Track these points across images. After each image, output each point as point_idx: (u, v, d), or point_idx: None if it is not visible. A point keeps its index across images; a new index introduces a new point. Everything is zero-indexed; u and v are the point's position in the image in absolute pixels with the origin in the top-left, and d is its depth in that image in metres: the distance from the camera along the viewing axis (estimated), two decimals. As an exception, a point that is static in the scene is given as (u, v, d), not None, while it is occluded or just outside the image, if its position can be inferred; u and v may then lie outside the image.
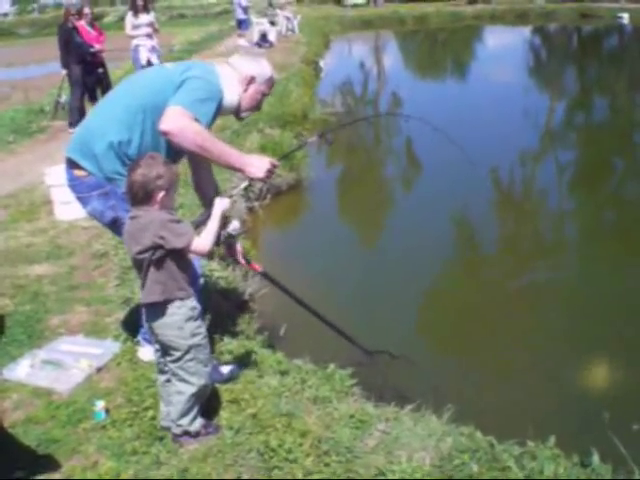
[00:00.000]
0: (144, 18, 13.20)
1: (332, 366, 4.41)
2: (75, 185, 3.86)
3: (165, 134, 3.46)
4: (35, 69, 25.89)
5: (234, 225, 3.73)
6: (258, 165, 3.66)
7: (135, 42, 13.31)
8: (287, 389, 4.01)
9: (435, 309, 6.05)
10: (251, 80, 3.90)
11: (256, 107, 4.06)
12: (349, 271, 6.97)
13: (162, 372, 3.51)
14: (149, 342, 4.20)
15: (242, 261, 4.36)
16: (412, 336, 5.63)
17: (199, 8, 62.00)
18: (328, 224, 8.54)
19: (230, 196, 3.56)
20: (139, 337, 4.39)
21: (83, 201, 3.87)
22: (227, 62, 3.99)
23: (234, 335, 4.79)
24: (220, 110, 3.79)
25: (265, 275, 4.63)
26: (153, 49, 13.42)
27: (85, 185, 3.77)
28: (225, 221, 3.38)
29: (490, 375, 5.08)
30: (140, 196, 3.16)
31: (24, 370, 4.29)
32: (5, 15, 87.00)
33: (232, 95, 3.87)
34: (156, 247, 3.13)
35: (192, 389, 3.39)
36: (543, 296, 6.39)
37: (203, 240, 3.22)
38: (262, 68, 3.98)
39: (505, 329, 5.69)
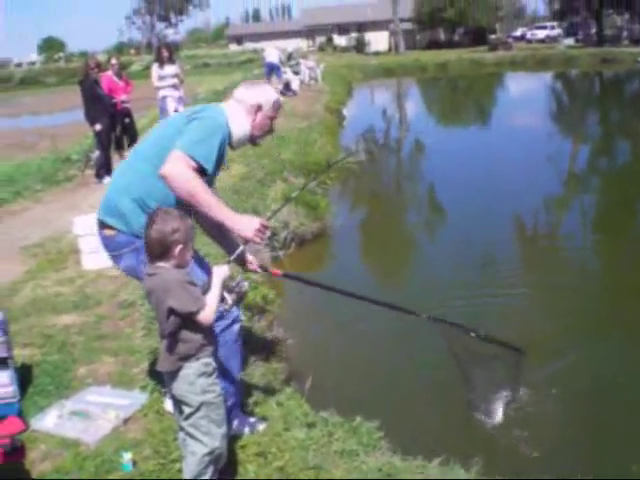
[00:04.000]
0: (169, 69, 13.46)
1: (359, 418, 4.40)
2: (107, 244, 3.93)
3: (163, 177, 3.53)
4: (61, 117, 26.40)
5: (241, 285, 3.71)
6: (247, 224, 3.64)
7: (162, 93, 13.54)
8: (314, 442, 3.99)
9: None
10: (258, 108, 3.96)
11: (268, 131, 4.13)
12: (373, 322, 6.94)
13: (179, 428, 3.45)
14: None
15: (259, 270, 4.36)
16: (435, 390, 5.58)
17: (223, 57, 63.19)
18: (353, 273, 8.53)
19: (228, 262, 3.54)
20: (165, 388, 4.43)
21: (116, 259, 3.93)
22: (233, 98, 4.05)
23: (260, 386, 4.79)
24: (228, 142, 3.88)
25: (287, 276, 4.69)
26: (180, 100, 13.66)
27: (116, 243, 3.84)
28: (230, 284, 3.38)
29: (520, 427, 5.02)
30: (158, 252, 3.17)
31: (52, 420, 4.31)
32: (32, 64, 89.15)
33: (243, 127, 3.95)
34: (172, 312, 3.12)
35: (204, 449, 3.29)
36: (568, 341, 6.33)
37: (207, 311, 3.18)
38: (266, 94, 4.03)
39: (534, 380, 5.63)
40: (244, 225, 3.64)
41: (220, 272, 3.34)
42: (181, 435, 3.44)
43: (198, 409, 3.26)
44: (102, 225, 3.90)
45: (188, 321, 3.17)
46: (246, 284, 3.68)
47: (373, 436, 4.25)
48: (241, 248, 3.77)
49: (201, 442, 3.29)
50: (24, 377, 4.78)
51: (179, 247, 3.17)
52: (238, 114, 3.94)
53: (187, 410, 3.28)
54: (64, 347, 5.45)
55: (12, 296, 6.71)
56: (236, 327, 3.96)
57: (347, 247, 9.67)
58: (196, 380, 3.25)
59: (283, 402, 4.51)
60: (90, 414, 4.35)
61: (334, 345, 6.36)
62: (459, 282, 7.79)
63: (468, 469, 3.87)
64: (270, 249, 8.33)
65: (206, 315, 3.17)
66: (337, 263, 9.20)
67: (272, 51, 27.62)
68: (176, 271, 3.19)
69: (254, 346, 5.64)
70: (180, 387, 3.25)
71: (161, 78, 13.49)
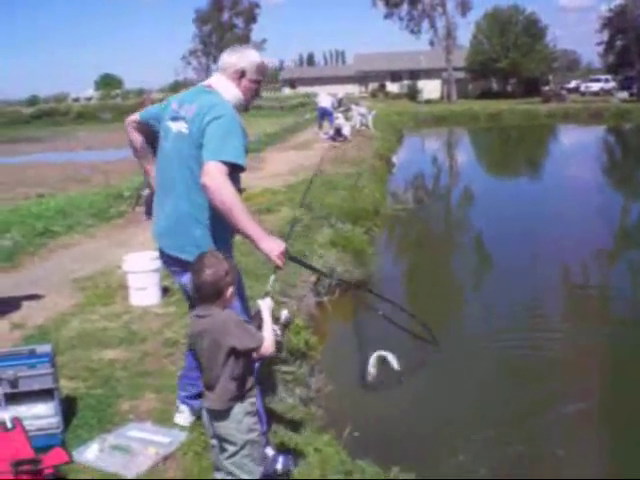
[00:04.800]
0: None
1: (396, 469, 4.39)
2: (171, 263, 4.07)
3: (204, 187, 3.63)
4: (114, 153, 26.92)
5: (284, 315, 3.79)
6: (273, 246, 3.68)
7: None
8: (350, 491, 3.99)
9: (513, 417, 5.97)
10: (242, 74, 3.99)
11: (255, 95, 4.15)
12: (413, 370, 6.94)
13: (219, 469, 3.50)
14: (187, 404, 4.53)
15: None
16: (476, 441, 5.54)
17: (275, 101, 63.88)
18: (396, 321, 8.50)
19: (267, 293, 3.63)
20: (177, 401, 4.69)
21: (179, 273, 4.04)
22: (218, 69, 4.10)
23: (298, 432, 4.81)
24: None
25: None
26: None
27: (183, 262, 3.91)
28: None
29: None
30: (210, 295, 3.25)
31: (93, 454, 4.36)
32: (89, 99, 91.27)
33: (235, 94, 3.99)
34: (232, 352, 3.20)
35: None
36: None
37: (267, 343, 3.29)
38: (248, 58, 4.02)
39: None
40: (270, 246, 3.68)
41: (267, 305, 3.46)
42: (219, 475, 3.49)
43: (243, 447, 3.31)
44: (170, 257, 4.03)
45: (244, 360, 3.25)
46: (287, 313, 3.77)
47: (410, 488, 4.24)
48: (273, 277, 3.84)
49: None
50: (68, 409, 4.84)
51: (230, 289, 3.27)
52: (226, 84, 3.99)
53: (231, 449, 3.32)
54: (108, 382, 5.52)
55: (60, 328, 6.82)
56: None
57: (391, 295, 9.63)
58: (243, 419, 3.31)
59: (321, 448, 4.50)
60: (131, 449, 4.40)
61: (374, 393, 6.36)
62: (502, 336, 7.75)
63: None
64: (314, 294, 8.38)
65: (267, 347, 3.28)
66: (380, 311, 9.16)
67: (325, 97, 28.09)
68: (228, 312, 3.30)
69: (294, 391, 5.68)
70: (227, 426, 3.30)
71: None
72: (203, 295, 3.28)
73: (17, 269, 9.30)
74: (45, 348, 4.67)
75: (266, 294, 3.61)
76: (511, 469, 5.10)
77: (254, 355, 3.30)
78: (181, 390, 4.68)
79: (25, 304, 7.55)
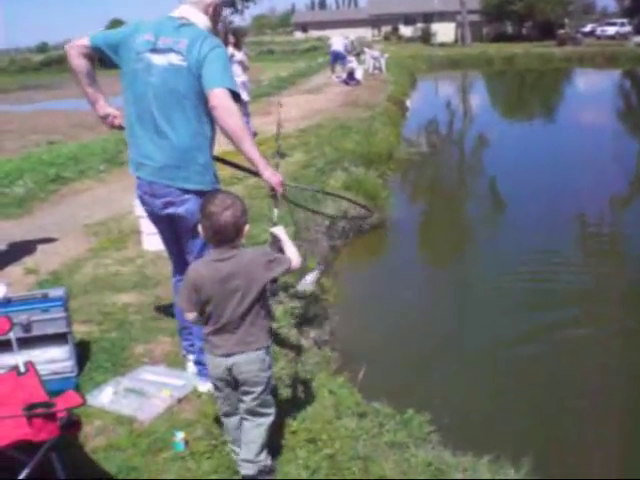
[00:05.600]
0: (235, 55, 13.47)
1: (410, 411, 4.38)
2: (170, 192, 3.96)
3: (213, 109, 3.75)
4: (120, 100, 26.69)
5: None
6: (273, 172, 3.90)
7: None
8: (365, 432, 3.97)
9: (516, 358, 5.95)
10: (215, 8, 4.08)
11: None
12: (429, 314, 6.93)
13: (231, 414, 3.47)
14: (193, 352, 4.53)
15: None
16: (489, 385, 5.54)
17: (287, 44, 63.29)
18: (410, 265, 8.49)
19: (275, 223, 3.78)
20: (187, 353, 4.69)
21: (177, 204, 3.96)
22: (187, 3, 4.04)
23: (313, 373, 4.80)
24: None
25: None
26: (243, 85, 13.67)
27: (182, 191, 3.94)
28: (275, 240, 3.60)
29: (573, 425, 4.95)
30: (232, 235, 3.17)
31: (107, 397, 4.38)
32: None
33: (207, 27, 4.03)
34: (270, 283, 3.28)
35: (269, 419, 3.41)
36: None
37: (294, 258, 3.39)
38: None
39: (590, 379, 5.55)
40: (271, 173, 3.88)
41: (280, 229, 3.57)
42: (233, 420, 3.47)
43: (267, 384, 3.36)
44: (176, 189, 3.95)
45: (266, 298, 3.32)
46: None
47: (424, 429, 4.24)
48: (276, 211, 3.97)
49: (267, 415, 3.42)
50: (82, 353, 4.86)
51: (246, 227, 3.24)
52: (200, 16, 4.02)
53: (258, 389, 3.32)
54: (122, 325, 5.53)
55: (73, 273, 6.83)
56: None
57: (405, 239, 9.61)
58: (265, 357, 3.34)
59: (335, 390, 4.50)
60: (145, 392, 4.41)
61: (388, 336, 6.34)
62: (515, 275, 7.72)
63: (518, 468, 3.83)
64: (328, 238, 8.34)
65: (296, 262, 3.40)
66: (394, 255, 9.14)
67: (338, 39, 27.69)
68: (247, 250, 3.34)
69: (309, 333, 5.68)
70: (255, 366, 3.29)
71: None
72: (224, 237, 3.17)
73: (30, 215, 9.30)
74: (58, 292, 4.65)
75: (274, 224, 3.71)
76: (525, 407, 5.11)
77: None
78: (183, 340, 4.66)
79: (38, 249, 7.56)
